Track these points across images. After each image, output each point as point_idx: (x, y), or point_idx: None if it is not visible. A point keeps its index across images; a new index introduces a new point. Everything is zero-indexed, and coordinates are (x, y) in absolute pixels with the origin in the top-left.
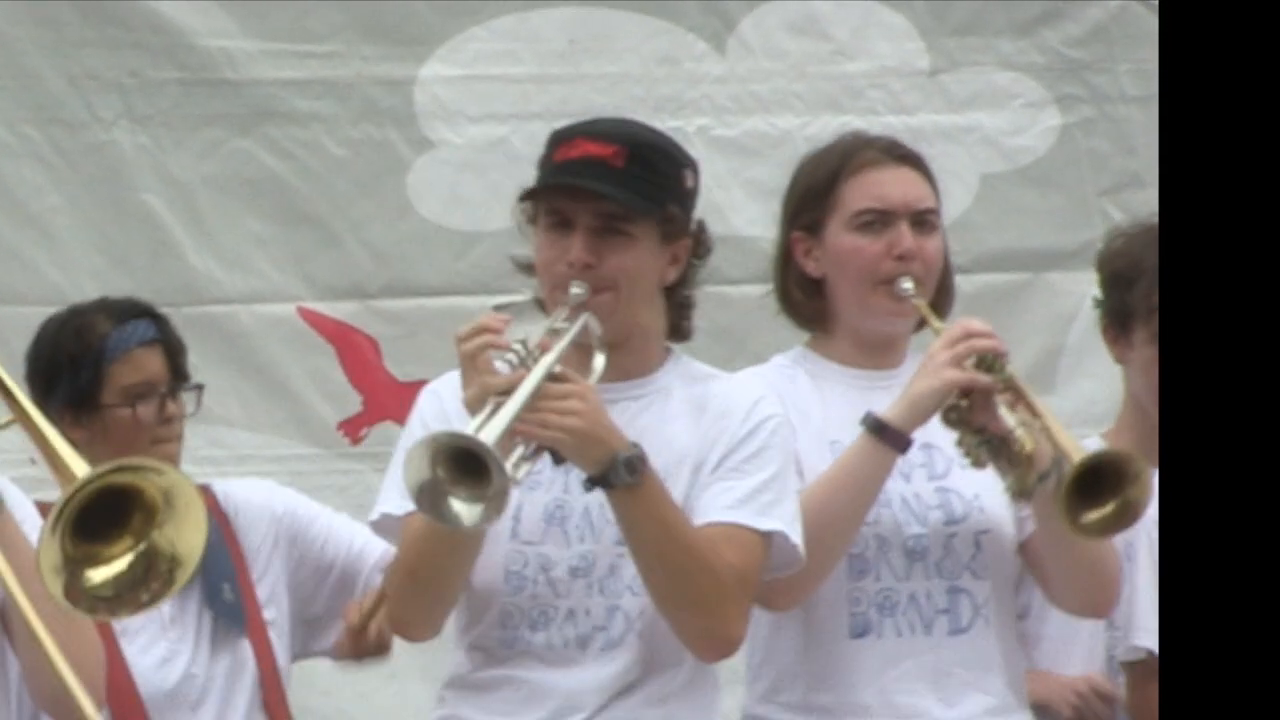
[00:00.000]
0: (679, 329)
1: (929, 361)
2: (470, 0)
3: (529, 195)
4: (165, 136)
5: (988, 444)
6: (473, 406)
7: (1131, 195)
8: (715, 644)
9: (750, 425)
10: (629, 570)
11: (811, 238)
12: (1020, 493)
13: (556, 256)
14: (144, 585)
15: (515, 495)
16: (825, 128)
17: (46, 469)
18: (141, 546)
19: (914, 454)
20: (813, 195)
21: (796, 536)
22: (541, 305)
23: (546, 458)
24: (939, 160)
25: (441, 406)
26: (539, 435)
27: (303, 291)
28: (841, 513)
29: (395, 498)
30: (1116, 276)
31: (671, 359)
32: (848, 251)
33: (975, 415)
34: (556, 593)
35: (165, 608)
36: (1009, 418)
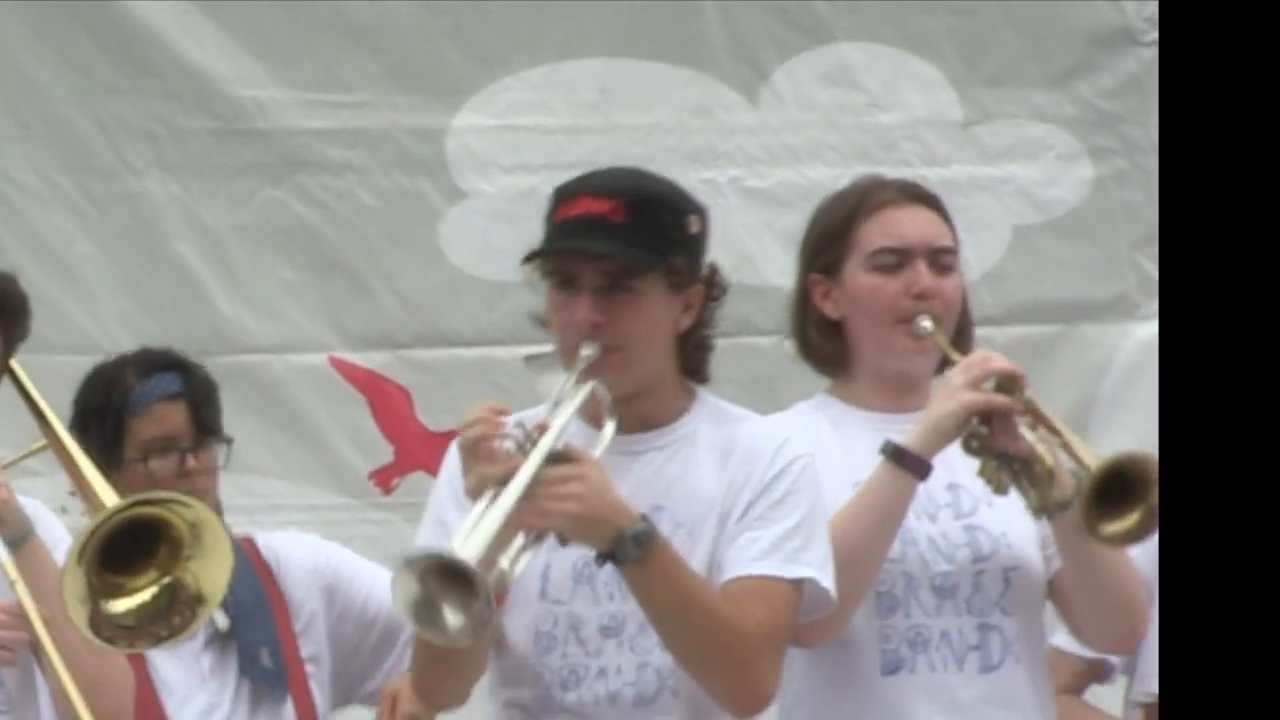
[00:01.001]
0: (698, 372)
1: (947, 387)
2: (503, 50)
3: (532, 258)
4: (196, 185)
5: (1009, 468)
6: (474, 493)
7: None
8: (746, 702)
9: (776, 469)
10: None
11: (829, 280)
12: (1042, 509)
13: (566, 318)
14: (165, 619)
15: (544, 555)
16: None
17: (75, 518)
18: (166, 580)
19: (939, 494)
20: (829, 237)
21: (828, 580)
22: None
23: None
24: (972, 211)
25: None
26: (539, 524)
27: (334, 341)
28: (865, 542)
29: None
30: None
31: (698, 403)
32: (866, 291)
33: (996, 439)
34: (587, 652)
35: (205, 660)
36: (1029, 438)
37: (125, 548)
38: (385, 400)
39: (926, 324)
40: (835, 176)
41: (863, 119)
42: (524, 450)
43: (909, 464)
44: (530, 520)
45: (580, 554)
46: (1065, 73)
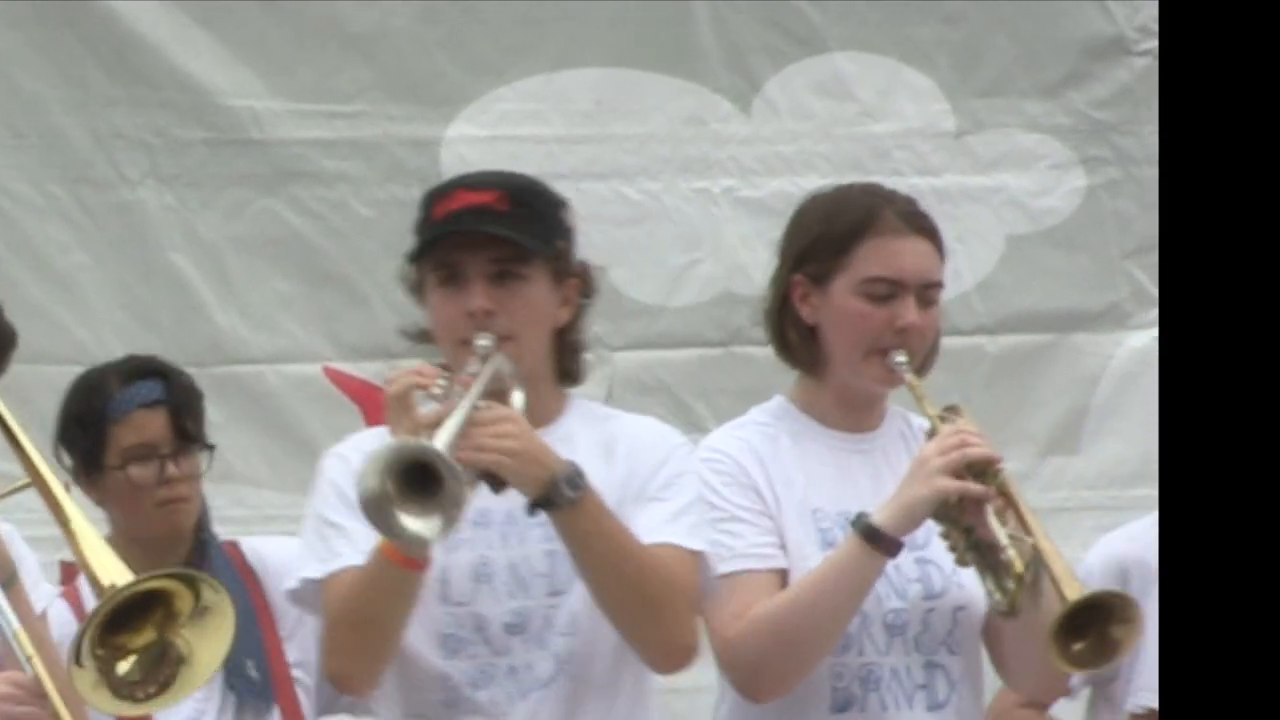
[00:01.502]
0: (572, 373)
1: (922, 466)
2: (497, 60)
3: (420, 254)
4: (191, 196)
5: (975, 548)
6: None
7: (1155, 257)
8: (674, 653)
9: (662, 454)
10: (561, 619)
11: (813, 286)
12: (1009, 613)
13: (455, 311)
14: (154, 675)
15: (440, 558)
16: None
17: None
18: (160, 636)
19: None
20: (825, 247)
21: (715, 561)
22: (443, 370)
23: (473, 506)
24: (964, 221)
25: (350, 468)
26: (478, 460)
27: (328, 351)
28: (830, 613)
29: (313, 562)
30: None
31: (571, 404)
32: (851, 316)
33: (964, 516)
34: (495, 651)
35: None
36: (999, 531)
37: (127, 608)
38: (379, 410)
39: (901, 359)
40: (828, 186)
41: (856, 129)
42: (450, 400)
43: (881, 545)
44: (471, 456)
45: (476, 553)
46: (1058, 82)
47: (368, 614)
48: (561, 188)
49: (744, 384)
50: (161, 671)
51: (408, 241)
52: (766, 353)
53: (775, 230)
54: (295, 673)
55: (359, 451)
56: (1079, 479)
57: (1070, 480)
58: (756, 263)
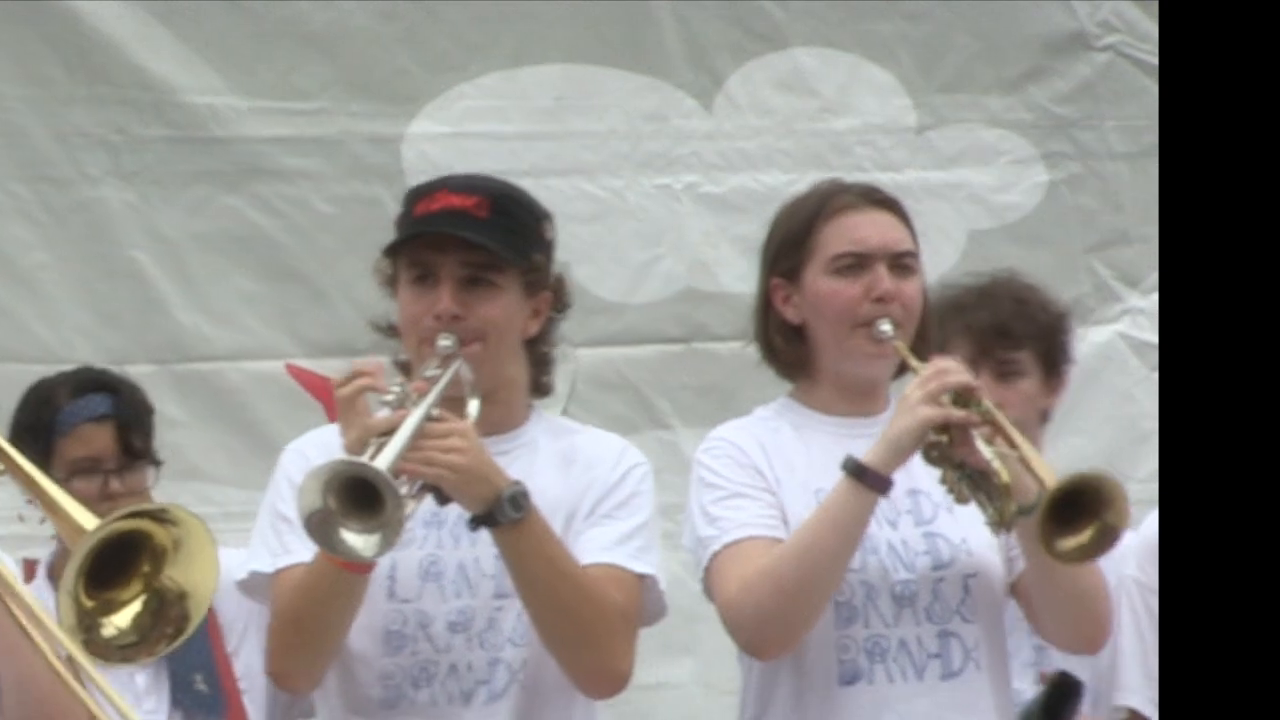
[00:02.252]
0: (540, 385)
1: (904, 401)
2: (458, 57)
3: (394, 249)
4: (153, 193)
5: (969, 479)
6: (354, 450)
7: (1118, 252)
8: (605, 679)
9: (619, 473)
10: (508, 622)
11: (790, 284)
12: (999, 524)
13: (423, 310)
14: (159, 629)
15: (389, 554)
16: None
17: (33, 525)
18: (150, 589)
19: (900, 500)
20: (790, 242)
21: (663, 584)
22: (402, 368)
23: (427, 505)
24: (926, 217)
25: (308, 463)
26: (423, 473)
27: (290, 348)
28: (826, 557)
29: (264, 555)
30: None
31: (535, 414)
32: (826, 295)
33: (955, 450)
34: (437, 648)
35: (140, 679)
36: (986, 450)
37: (109, 562)
38: None
39: (886, 327)
40: (790, 182)
41: (817, 125)
42: (405, 407)
43: (870, 480)
44: (417, 468)
45: (426, 551)
46: (1019, 78)
47: (311, 614)
48: (523, 184)
49: (706, 380)
50: (168, 617)
51: (369, 238)
52: (729, 348)
53: (737, 226)
54: (242, 684)
55: (317, 446)
56: None
57: None
58: (719, 259)
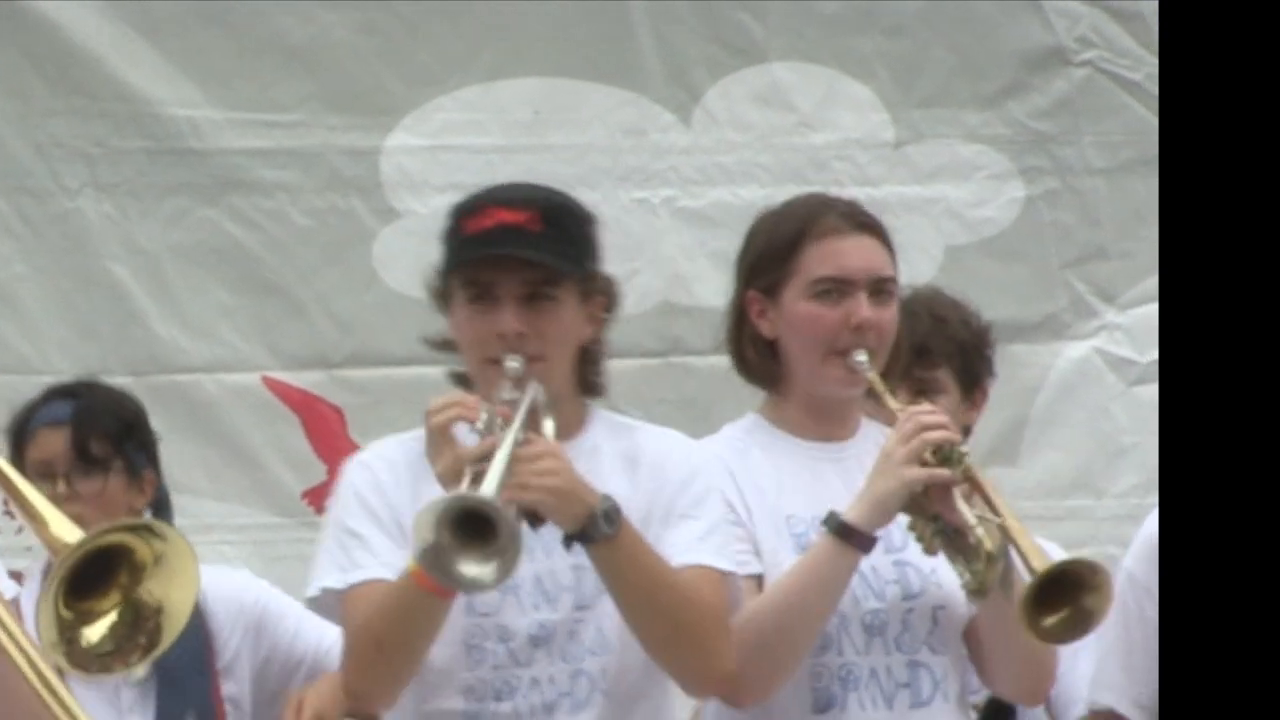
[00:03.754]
0: (593, 385)
1: (886, 460)
2: (436, 70)
3: (452, 270)
4: (131, 205)
5: (942, 534)
6: (446, 478)
7: (1095, 267)
8: (712, 680)
9: (688, 471)
10: (588, 634)
11: (767, 299)
12: (979, 592)
13: (486, 330)
14: (134, 641)
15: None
16: None
17: (9, 536)
18: (127, 600)
19: None
20: (771, 258)
21: (741, 580)
22: (461, 380)
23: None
24: (903, 232)
25: (375, 478)
26: (521, 498)
27: (268, 361)
28: (807, 613)
29: (334, 572)
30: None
31: (593, 416)
32: (805, 320)
33: (931, 504)
34: (518, 662)
35: (125, 696)
36: (967, 513)
37: (88, 574)
38: (318, 420)
39: (861, 358)
40: (768, 196)
41: (795, 139)
42: (491, 433)
43: (854, 541)
44: (514, 494)
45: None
46: (997, 93)
47: (395, 636)
48: None
49: (683, 394)
50: (143, 629)
51: (347, 251)
52: (706, 362)
53: (715, 240)
54: (227, 706)
55: (382, 459)
56: (1018, 489)
57: (1009, 490)
58: (696, 273)
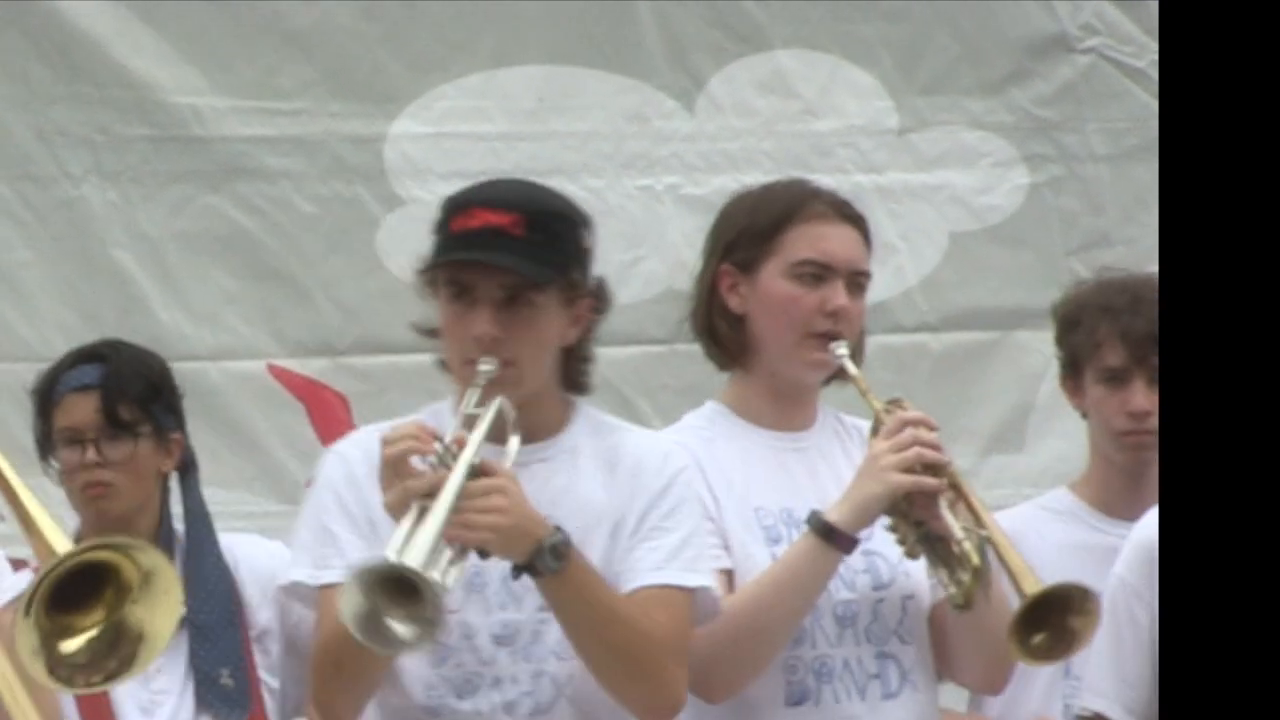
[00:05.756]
0: (579, 384)
1: (874, 463)
2: (440, 57)
3: (428, 269)
4: (134, 192)
5: (925, 540)
6: (394, 510)
7: (1100, 254)
8: (659, 709)
9: (664, 481)
10: (552, 635)
11: (741, 275)
12: (964, 606)
13: (463, 330)
14: (112, 655)
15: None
16: None
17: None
18: (113, 619)
19: None
20: (752, 235)
21: (717, 589)
22: (445, 366)
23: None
24: (908, 218)
25: (351, 471)
26: (465, 539)
27: (272, 348)
28: (785, 612)
29: (307, 565)
30: (1063, 323)
31: (577, 414)
32: (782, 298)
33: (915, 510)
34: (481, 660)
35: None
36: (952, 524)
37: (74, 586)
38: (323, 407)
39: (843, 351)
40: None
41: (798, 126)
42: (445, 464)
43: (837, 542)
44: (459, 535)
45: (470, 563)
46: (1001, 80)
47: (351, 662)
48: None
49: (687, 381)
50: (120, 650)
51: (351, 238)
52: None
53: None
54: (262, 675)
55: (359, 448)
56: (1022, 476)
57: (1014, 478)
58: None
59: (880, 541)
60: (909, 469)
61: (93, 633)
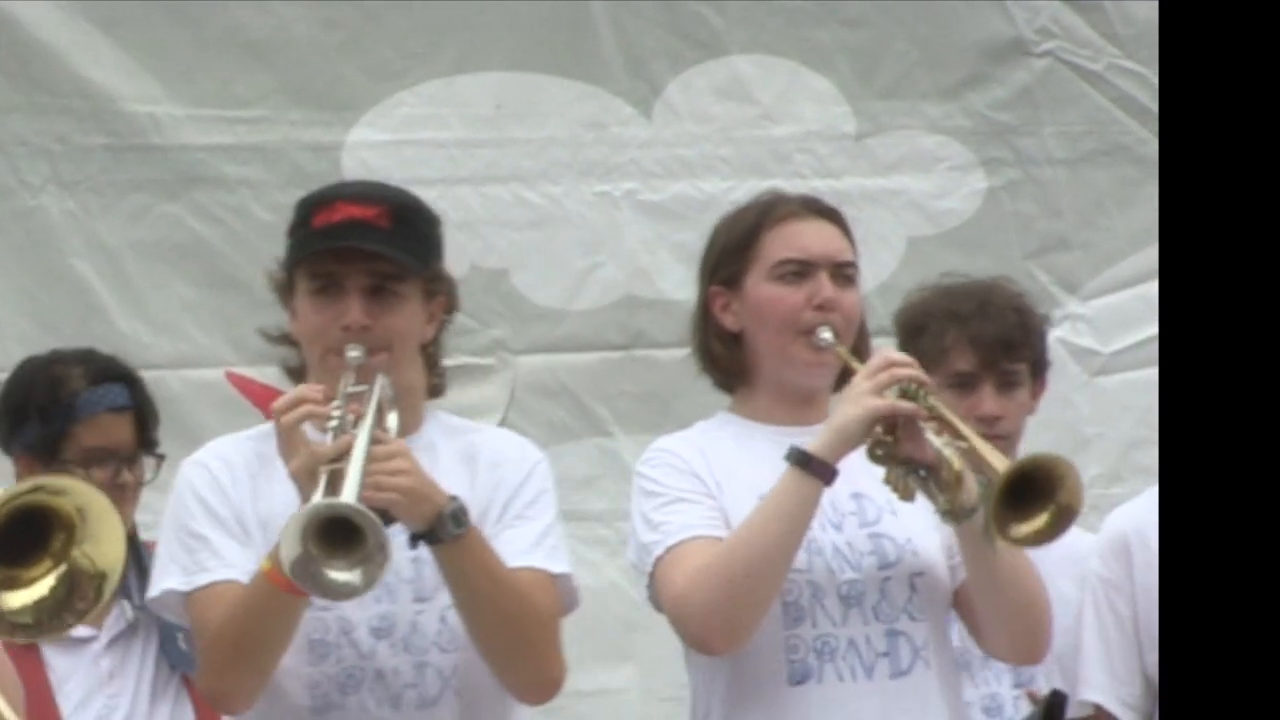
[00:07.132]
0: (433, 386)
1: (851, 390)
2: (397, 65)
3: (299, 260)
4: (93, 202)
5: (915, 474)
6: (301, 476)
7: (1057, 258)
8: (543, 687)
9: (524, 472)
10: (431, 626)
11: (730, 292)
12: (952, 513)
13: (329, 321)
14: (68, 607)
15: None
16: (751, 191)
17: None
18: (62, 568)
19: (844, 503)
20: (731, 250)
21: (575, 580)
22: (294, 374)
23: None
24: (865, 224)
25: (213, 478)
26: (375, 499)
27: (231, 356)
28: (773, 546)
29: (176, 573)
30: (906, 329)
31: (429, 414)
32: (768, 301)
33: (901, 446)
34: (361, 654)
35: (105, 663)
36: (935, 441)
37: (16, 540)
38: None
39: (827, 335)
40: (729, 189)
41: (756, 132)
42: (345, 431)
43: (815, 469)
44: (368, 495)
45: None
46: (958, 84)
47: (252, 638)
48: (462, 191)
49: (646, 387)
50: (83, 591)
51: None
52: (668, 355)
53: (676, 233)
54: None
55: (219, 458)
56: None
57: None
58: (658, 266)
59: (887, 524)
60: (884, 394)
61: (41, 590)
